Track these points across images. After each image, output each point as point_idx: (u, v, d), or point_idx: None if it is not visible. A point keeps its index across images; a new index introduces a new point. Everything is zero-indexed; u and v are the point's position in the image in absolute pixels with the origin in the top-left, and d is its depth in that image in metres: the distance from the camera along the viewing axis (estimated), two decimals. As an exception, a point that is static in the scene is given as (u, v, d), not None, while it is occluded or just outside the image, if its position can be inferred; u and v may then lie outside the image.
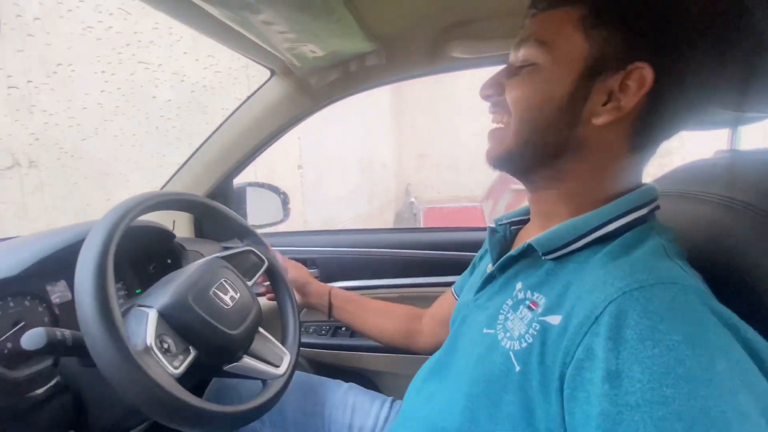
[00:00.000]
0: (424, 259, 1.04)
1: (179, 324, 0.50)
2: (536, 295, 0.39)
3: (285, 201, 1.10)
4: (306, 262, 1.06)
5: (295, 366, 0.62)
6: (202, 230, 1.10)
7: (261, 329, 0.61)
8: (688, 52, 0.36)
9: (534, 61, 0.40)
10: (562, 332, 0.34)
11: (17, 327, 0.55)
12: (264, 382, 0.58)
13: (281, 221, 1.11)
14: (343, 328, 1.01)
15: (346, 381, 0.78)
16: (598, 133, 0.39)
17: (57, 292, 0.62)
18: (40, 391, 0.52)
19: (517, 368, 0.36)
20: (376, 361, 0.95)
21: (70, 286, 0.64)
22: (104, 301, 0.42)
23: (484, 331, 0.42)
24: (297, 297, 0.75)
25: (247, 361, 0.55)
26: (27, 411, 0.51)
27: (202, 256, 0.90)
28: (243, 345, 0.56)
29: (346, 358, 0.97)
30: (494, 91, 0.44)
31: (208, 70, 2.11)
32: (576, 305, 0.34)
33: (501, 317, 0.41)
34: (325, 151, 3.71)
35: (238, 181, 1.10)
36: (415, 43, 0.83)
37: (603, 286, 0.32)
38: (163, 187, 1.04)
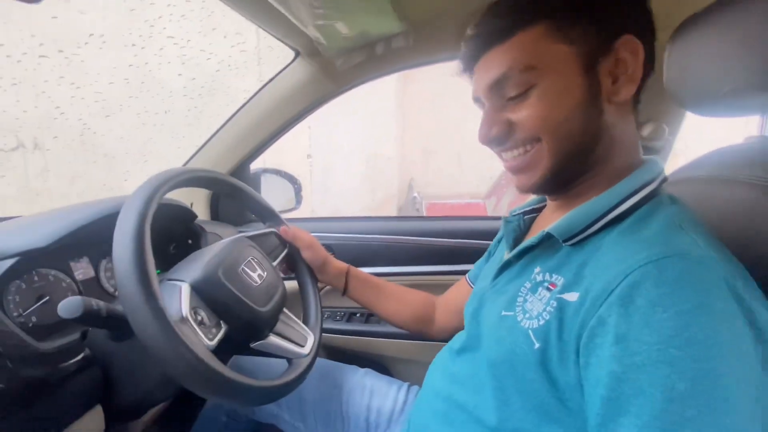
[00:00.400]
0: (440, 247, 1.02)
1: (211, 298, 0.50)
2: (555, 276, 0.40)
3: (298, 190, 1.11)
4: (322, 249, 1.05)
5: (319, 346, 0.63)
6: (218, 213, 1.10)
7: (285, 309, 0.62)
8: (649, 15, 0.41)
9: (529, 86, 0.40)
10: (579, 307, 0.35)
11: (42, 301, 0.55)
12: (289, 361, 0.58)
13: (293, 209, 1.11)
14: (358, 314, 1.01)
15: (362, 366, 0.78)
16: (618, 109, 0.41)
17: (80, 269, 0.62)
18: (69, 363, 0.53)
19: (536, 345, 0.38)
20: (390, 348, 0.95)
21: (93, 263, 0.65)
22: (143, 269, 0.42)
23: (503, 313, 0.43)
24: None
25: (274, 339, 0.55)
26: (57, 383, 0.52)
27: (221, 238, 0.90)
28: (270, 323, 0.56)
29: (361, 343, 0.97)
30: (503, 128, 0.43)
31: (234, 48, 2.08)
32: (593, 281, 0.35)
33: (520, 299, 0.42)
34: (333, 142, 3.69)
35: (254, 166, 1.09)
36: (444, 26, 0.80)
37: (620, 262, 0.34)
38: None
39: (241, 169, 1.05)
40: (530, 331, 0.39)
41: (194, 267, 0.52)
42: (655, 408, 0.29)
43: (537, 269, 0.42)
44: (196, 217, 0.82)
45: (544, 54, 0.39)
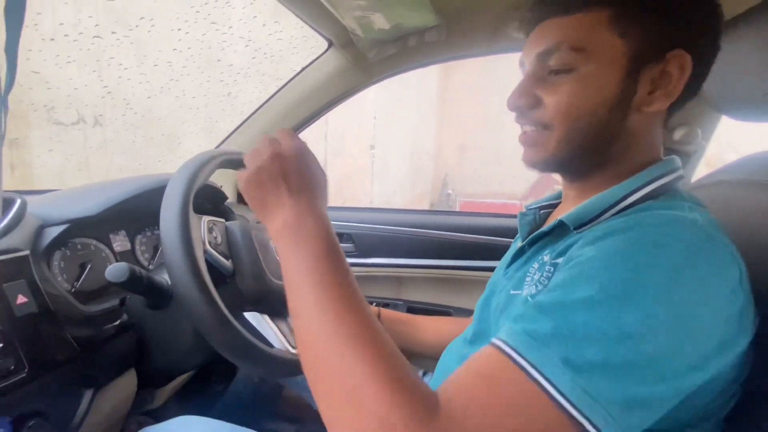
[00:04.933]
0: (461, 242, 1.02)
1: (234, 240, 0.55)
2: (560, 258, 0.41)
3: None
4: (342, 237, 1.07)
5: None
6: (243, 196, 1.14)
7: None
8: (714, 34, 0.40)
9: (572, 66, 0.40)
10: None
11: (86, 269, 0.60)
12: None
13: None
14: (374, 303, 1.02)
15: None
16: (645, 118, 0.41)
17: (118, 241, 0.67)
18: (109, 326, 0.57)
19: None
20: None
21: (130, 237, 0.69)
22: (188, 243, 0.46)
23: (512, 292, 0.45)
24: None
25: (267, 320, 0.56)
26: (100, 343, 0.56)
27: (247, 221, 0.94)
28: (271, 299, 0.57)
29: None
30: (529, 102, 0.43)
31: (272, 36, 2.13)
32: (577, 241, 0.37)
33: (528, 279, 0.43)
34: (392, 133, 3.68)
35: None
36: (479, 20, 0.80)
37: (607, 225, 0.36)
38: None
39: (270, 155, 1.08)
40: (528, 297, 0.40)
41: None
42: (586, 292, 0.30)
43: (546, 253, 0.44)
44: (226, 198, 0.86)
45: (597, 40, 0.39)
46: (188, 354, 0.60)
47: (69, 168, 1.66)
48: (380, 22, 0.75)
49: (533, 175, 4.73)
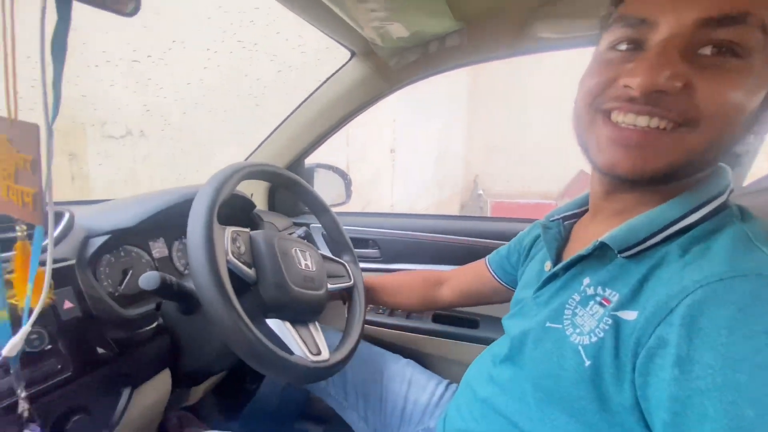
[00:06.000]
0: (488, 248, 0.99)
1: (257, 247, 0.56)
2: (608, 291, 0.37)
3: (348, 185, 1.15)
4: (368, 243, 1.08)
5: (336, 369, 0.57)
6: (274, 204, 1.18)
7: (317, 323, 0.61)
8: None
9: (751, 50, 0.30)
10: (637, 325, 0.33)
11: (129, 274, 0.64)
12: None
13: (343, 203, 1.16)
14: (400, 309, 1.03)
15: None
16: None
17: (157, 248, 0.71)
18: (145, 329, 0.61)
19: (587, 363, 0.35)
20: (431, 344, 0.95)
21: (168, 243, 0.73)
22: (212, 251, 0.47)
23: (548, 324, 0.41)
24: None
25: (288, 326, 0.55)
26: (136, 345, 0.60)
27: (276, 228, 0.97)
28: (291, 306, 0.56)
29: (401, 338, 0.98)
30: (678, 84, 0.31)
31: (295, 50, 2.20)
32: (652, 299, 0.32)
33: (568, 312, 0.39)
34: (414, 136, 3.66)
35: (309, 161, 1.15)
36: (501, 23, 0.78)
37: (680, 280, 0.31)
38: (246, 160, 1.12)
39: (297, 164, 1.12)
40: (580, 347, 0.36)
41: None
42: None
43: (586, 281, 0.40)
44: (255, 206, 0.89)
45: None
46: (218, 357, 0.63)
47: (119, 179, 1.80)
48: (399, 30, 0.76)
49: (567, 174, 4.59)
